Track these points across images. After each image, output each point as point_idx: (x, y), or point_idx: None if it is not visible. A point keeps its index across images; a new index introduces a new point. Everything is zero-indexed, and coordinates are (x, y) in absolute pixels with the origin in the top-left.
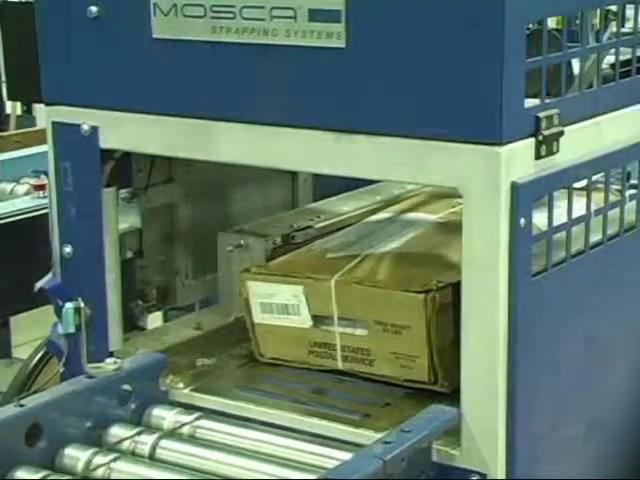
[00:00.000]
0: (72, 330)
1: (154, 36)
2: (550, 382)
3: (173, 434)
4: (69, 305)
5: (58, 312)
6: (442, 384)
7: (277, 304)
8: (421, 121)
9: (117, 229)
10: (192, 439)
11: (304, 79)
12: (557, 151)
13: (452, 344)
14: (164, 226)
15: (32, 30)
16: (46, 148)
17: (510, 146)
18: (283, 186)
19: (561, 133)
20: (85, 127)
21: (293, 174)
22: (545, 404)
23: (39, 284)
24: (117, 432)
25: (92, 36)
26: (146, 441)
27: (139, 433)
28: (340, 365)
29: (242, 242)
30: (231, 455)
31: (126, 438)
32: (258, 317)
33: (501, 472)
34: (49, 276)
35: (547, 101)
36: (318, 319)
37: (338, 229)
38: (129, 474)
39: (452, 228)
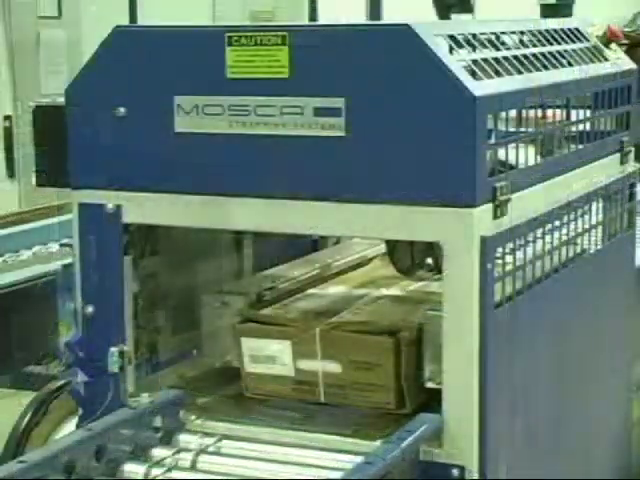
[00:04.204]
0: (116, 370)
1: (176, 130)
2: (519, 394)
3: (207, 451)
4: (113, 349)
5: (79, 363)
6: (408, 407)
7: (266, 356)
8: (411, 190)
9: (132, 289)
10: (224, 454)
11: (309, 161)
12: (507, 213)
13: (415, 374)
14: (150, 291)
15: (61, 130)
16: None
17: (479, 208)
18: (230, 255)
19: (509, 200)
20: (109, 206)
21: (237, 246)
22: (514, 413)
23: (65, 339)
24: (158, 453)
25: (119, 132)
26: (186, 457)
27: (178, 452)
28: (322, 399)
29: (225, 300)
30: (258, 462)
31: (167, 457)
32: (249, 367)
33: (475, 464)
34: (73, 332)
35: (501, 175)
36: (302, 361)
37: (294, 290)
38: None
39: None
